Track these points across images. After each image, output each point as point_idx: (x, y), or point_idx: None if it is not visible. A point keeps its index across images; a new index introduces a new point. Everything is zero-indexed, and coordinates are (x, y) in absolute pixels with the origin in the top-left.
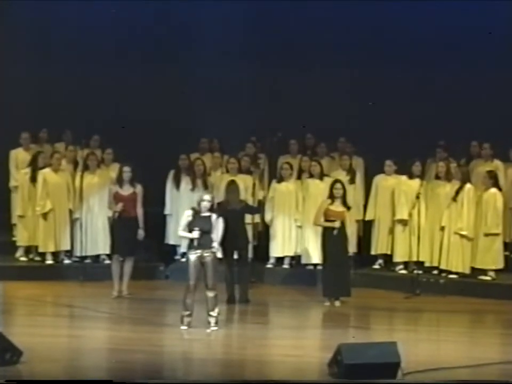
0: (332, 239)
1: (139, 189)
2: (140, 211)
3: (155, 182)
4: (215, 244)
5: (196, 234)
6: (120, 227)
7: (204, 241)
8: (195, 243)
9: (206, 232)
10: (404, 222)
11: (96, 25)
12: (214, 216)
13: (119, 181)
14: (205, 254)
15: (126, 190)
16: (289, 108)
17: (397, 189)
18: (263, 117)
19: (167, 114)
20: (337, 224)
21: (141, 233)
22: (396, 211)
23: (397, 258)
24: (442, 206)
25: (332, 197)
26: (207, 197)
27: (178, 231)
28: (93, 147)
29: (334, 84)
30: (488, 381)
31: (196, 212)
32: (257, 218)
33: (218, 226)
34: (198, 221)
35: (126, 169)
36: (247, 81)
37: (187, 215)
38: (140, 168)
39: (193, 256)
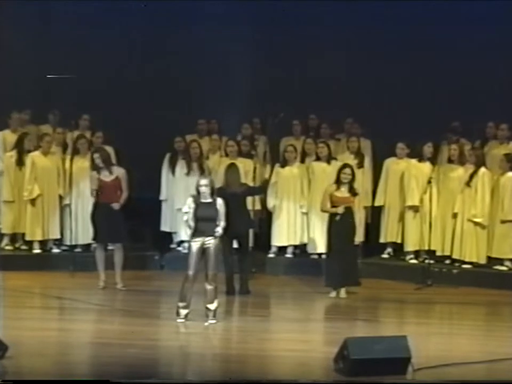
0: (337, 226)
1: (122, 173)
2: (124, 195)
3: (150, 167)
4: (219, 229)
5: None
6: (102, 214)
7: (206, 229)
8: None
9: (211, 220)
10: (414, 209)
11: None
12: (219, 201)
13: (95, 167)
14: (207, 242)
15: (108, 176)
16: (292, 86)
17: (406, 173)
18: (263, 97)
19: (164, 94)
20: (340, 209)
21: (115, 205)
22: (406, 197)
23: (407, 247)
24: (455, 192)
25: (338, 182)
26: (203, 181)
27: (185, 219)
28: (82, 127)
29: (340, 61)
30: (504, 381)
31: (197, 199)
32: (258, 205)
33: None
34: (201, 208)
35: (96, 155)
36: (247, 58)
37: (189, 203)
38: (135, 153)
39: (195, 244)
